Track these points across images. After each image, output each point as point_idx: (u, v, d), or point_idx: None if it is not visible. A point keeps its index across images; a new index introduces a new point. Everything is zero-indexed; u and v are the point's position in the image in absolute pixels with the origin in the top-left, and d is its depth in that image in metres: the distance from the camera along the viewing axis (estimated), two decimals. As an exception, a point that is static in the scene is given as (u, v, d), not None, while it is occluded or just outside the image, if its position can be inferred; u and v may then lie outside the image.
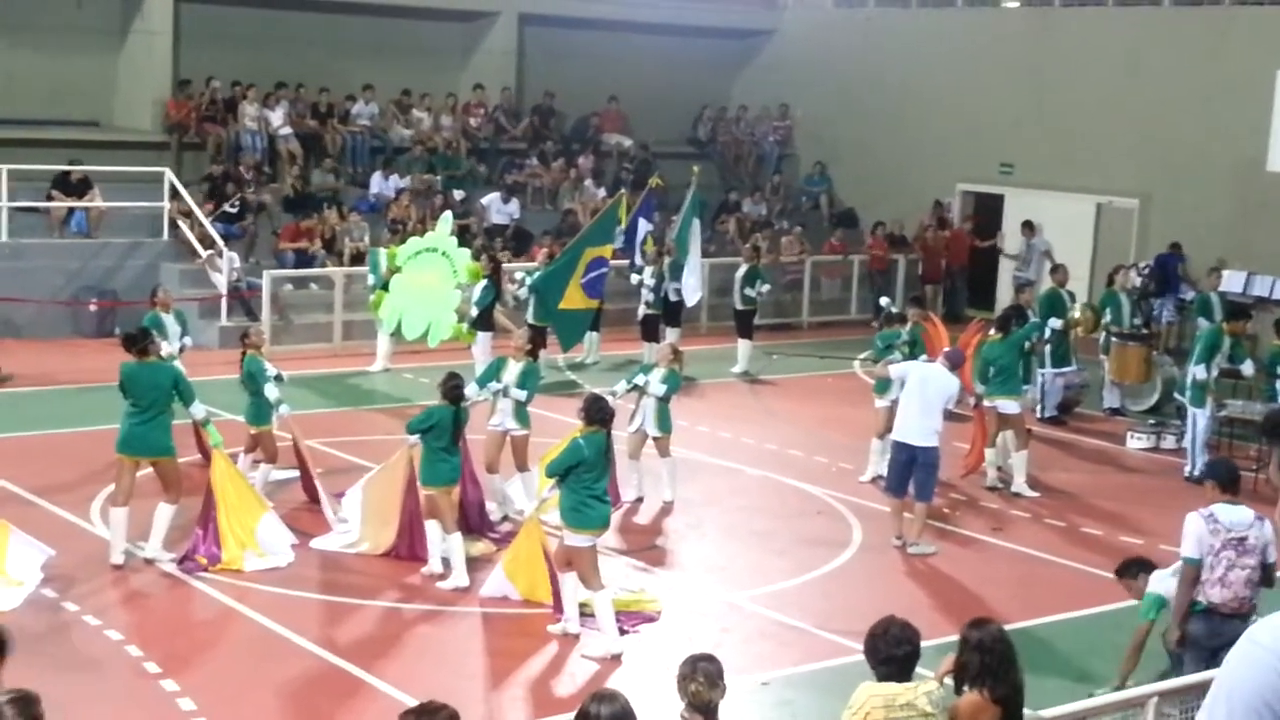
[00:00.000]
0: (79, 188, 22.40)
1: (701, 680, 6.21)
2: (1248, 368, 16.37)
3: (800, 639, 10.93)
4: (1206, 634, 8.55)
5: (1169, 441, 17.40)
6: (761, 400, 19.69)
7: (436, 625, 11.00)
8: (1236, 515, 8.59)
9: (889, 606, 7.61)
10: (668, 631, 10.94)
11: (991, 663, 6.38)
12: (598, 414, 10.54)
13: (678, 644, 10.27)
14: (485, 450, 13.37)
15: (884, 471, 15.39)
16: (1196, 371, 15.92)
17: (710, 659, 6.34)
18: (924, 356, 15.22)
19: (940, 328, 16.59)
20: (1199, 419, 15.93)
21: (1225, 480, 8.79)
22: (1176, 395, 17.15)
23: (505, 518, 13.36)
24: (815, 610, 11.49)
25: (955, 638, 6.63)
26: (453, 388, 11.80)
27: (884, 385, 15.28)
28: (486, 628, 11.00)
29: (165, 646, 10.24)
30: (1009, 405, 15.23)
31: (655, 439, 14.21)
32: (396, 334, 19.69)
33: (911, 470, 12.94)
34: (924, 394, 12.88)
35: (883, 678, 6.43)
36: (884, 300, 18.88)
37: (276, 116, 24.96)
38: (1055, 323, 18.08)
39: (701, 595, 11.87)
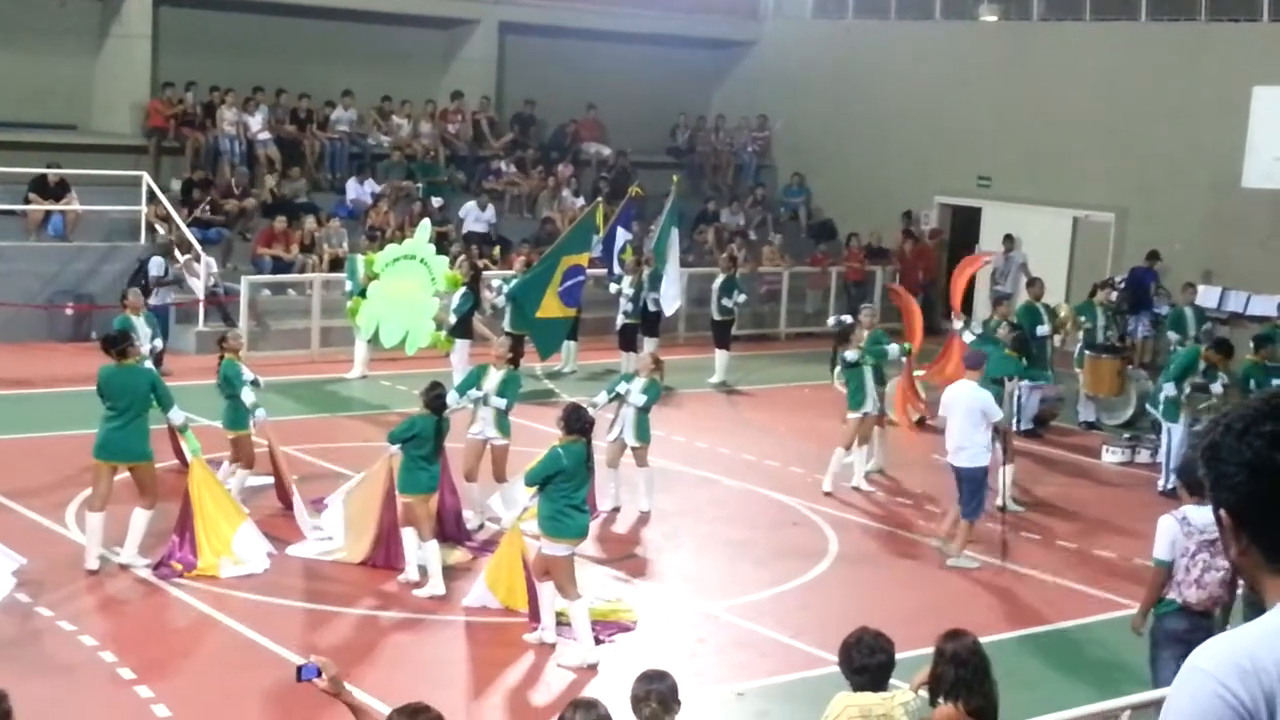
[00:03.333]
0: (56, 191, 22.33)
1: (655, 705, 6.22)
2: (1216, 387, 16.32)
3: (776, 650, 10.95)
4: (1187, 629, 8.61)
5: (1143, 455, 17.49)
6: (739, 411, 19.72)
7: (413, 633, 10.99)
8: (1207, 516, 8.59)
9: (865, 618, 7.63)
10: (644, 641, 10.94)
11: (966, 675, 6.42)
12: (577, 423, 10.54)
13: (653, 654, 10.28)
14: (464, 459, 13.37)
15: (858, 481, 15.53)
16: (1167, 389, 16.00)
17: (662, 677, 6.33)
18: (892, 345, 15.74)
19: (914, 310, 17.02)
20: (1174, 433, 16.00)
21: (1194, 483, 8.75)
22: (1150, 409, 17.19)
23: (482, 526, 13.37)
24: (791, 621, 11.51)
25: (931, 649, 6.66)
26: (435, 397, 11.80)
27: (856, 399, 15.33)
28: (463, 636, 10.99)
29: (140, 653, 10.21)
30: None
31: (634, 449, 14.22)
32: (374, 341, 19.68)
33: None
34: (954, 414, 12.87)
35: (857, 687, 6.46)
36: (846, 319, 18.87)
37: (255, 122, 24.92)
38: (1043, 329, 18.04)
39: (678, 605, 11.88)
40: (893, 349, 16.23)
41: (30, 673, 9.53)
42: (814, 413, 19.07)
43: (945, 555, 13.08)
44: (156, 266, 20.30)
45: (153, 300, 19.62)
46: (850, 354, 15.46)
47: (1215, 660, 2.65)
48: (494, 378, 13.27)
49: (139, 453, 11.74)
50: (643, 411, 14.13)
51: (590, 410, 11.13)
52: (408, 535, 11.80)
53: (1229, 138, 23.02)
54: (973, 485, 12.90)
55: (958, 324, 16.58)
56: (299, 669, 5.37)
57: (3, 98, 23.97)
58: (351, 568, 12.19)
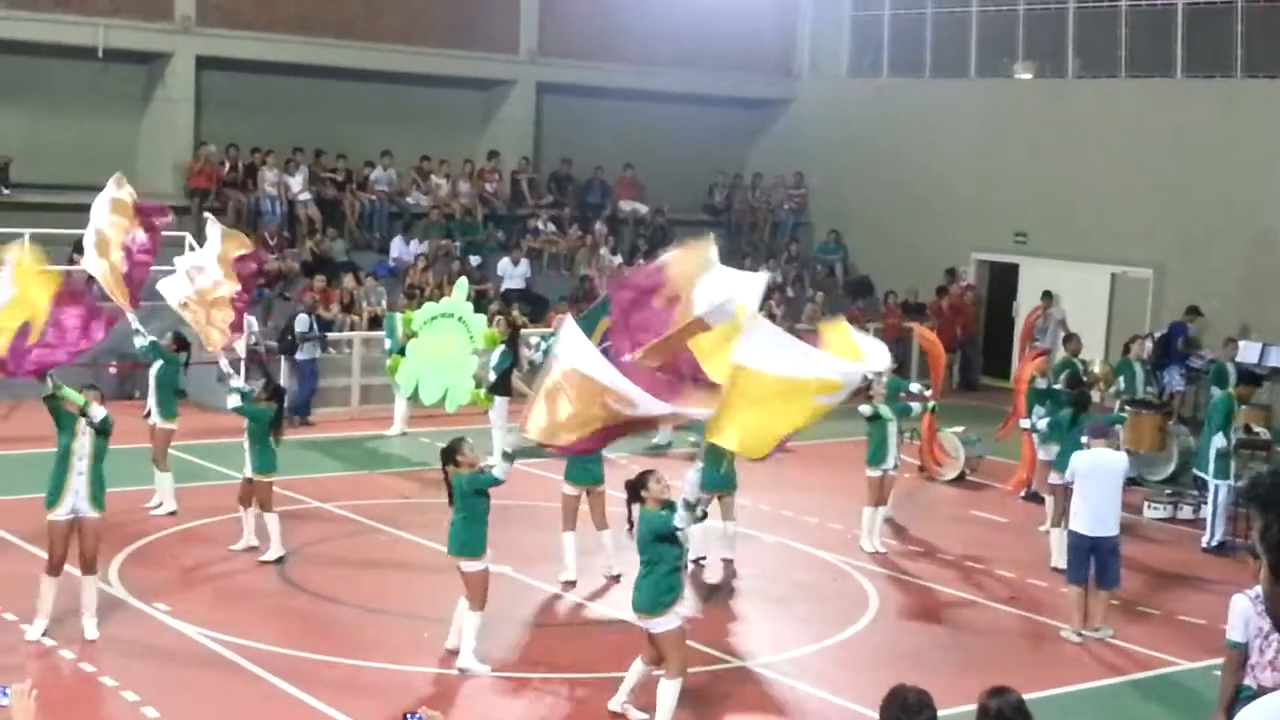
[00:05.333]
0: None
1: None
2: (1219, 440, 16.07)
3: (817, 707, 10.89)
4: None
5: (1185, 511, 17.36)
6: (777, 467, 19.56)
7: (455, 689, 10.97)
8: None
9: (906, 674, 7.59)
10: (682, 699, 10.88)
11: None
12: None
13: (694, 711, 10.25)
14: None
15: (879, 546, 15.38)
16: (1216, 441, 15.84)
17: None
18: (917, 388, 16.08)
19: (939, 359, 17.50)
20: (1221, 490, 15.86)
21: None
22: (1197, 471, 16.90)
23: (574, 583, 13.49)
24: (832, 678, 11.45)
25: (972, 707, 6.61)
26: (445, 448, 11.59)
27: (877, 456, 15.26)
28: (534, 696, 10.96)
29: (180, 706, 10.23)
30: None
31: (721, 499, 14.17)
32: (414, 398, 19.76)
33: (1091, 559, 12.52)
34: (1103, 484, 12.48)
35: (902, 747, 6.39)
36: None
37: (296, 182, 25.20)
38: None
39: (717, 662, 11.83)
40: (915, 407, 16.24)
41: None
42: (852, 469, 18.99)
43: (1096, 632, 12.67)
44: (302, 324, 21.10)
45: (299, 355, 20.90)
46: (864, 408, 15.37)
47: None
48: None
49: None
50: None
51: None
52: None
53: (1267, 192, 22.97)
54: (1116, 554, 12.61)
55: (1024, 424, 16.39)
56: (404, 716, 5.43)
57: (49, 160, 24.31)
58: (390, 624, 12.19)
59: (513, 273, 25.28)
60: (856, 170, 29.27)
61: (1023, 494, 17.32)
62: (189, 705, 10.33)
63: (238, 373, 20.75)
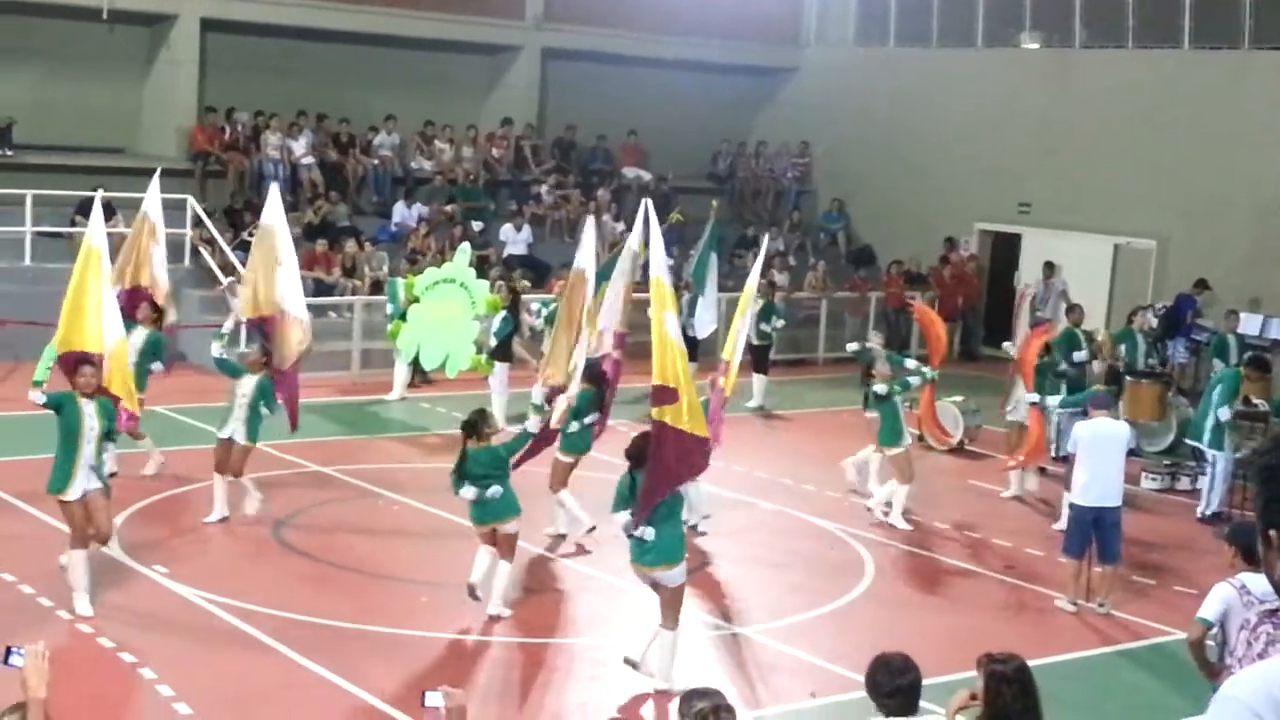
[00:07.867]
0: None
1: (725, 715, 6.16)
2: (1224, 412, 16.10)
3: (812, 673, 10.94)
4: None
5: (1183, 482, 17.41)
6: (776, 435, 19.73)
7: (481, 659, 11.01)
8: (1266, 585, 7.89)
9: (900, 642, 7.62)
10: (680, 664, 10.94)
11: (1013, 694, 6.32)
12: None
13: (690, 676, 10.30)
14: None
15: (880, 502, 15.42)
16: (1223, 413, 15.87)
17: (704, 695, 6.25)
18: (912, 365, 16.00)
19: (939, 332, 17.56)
20: (1219, 460, 15.91)
21: (1250, 549, 7.78)
22: (1190, 441, 16.96)
23: (564, 537, 13.78)
24: (827, 645, 11.51)
25: (967, 674, 6.62)
26: (464, 423, 11.82)
27: (894, 435, 15.20)
28: (518, 658, 11.02)
29: (195, 683, 10.28)
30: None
31: None
32: (415, 363, 19.78)
33: (1094, 532, 12.47)
34: (1096, 452, 12.46)
35: (889, 712, 6.39)
36: (869, 344, 18.79)
37: (299, 146, 25.18)
38: (1079, 355, 18.05)
39: (713, 628, 11.89)
40: (914, 380, 16.22)
41: (74, 698, 9.62)
42: (851, 437, 19.03)
43: (1101, 607, 12.68)
44: None
45: None
46: (880, 387, 15.30)
47: (1250, 690, 2.71)
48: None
49: None
50: None
51: None
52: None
53: (1272, 163, 22.92)
54: (1118, 528, 12.57)
55: (1032, 398, 16.36)
56: (424, 694, 5.47)
57: (51, 121, 24.29)
58: (407, 595, 12.24)
59: (515, 238, 25.26)
60: (861, 139, 29.21)
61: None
62: (187, 667, 10.37)
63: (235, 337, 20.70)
